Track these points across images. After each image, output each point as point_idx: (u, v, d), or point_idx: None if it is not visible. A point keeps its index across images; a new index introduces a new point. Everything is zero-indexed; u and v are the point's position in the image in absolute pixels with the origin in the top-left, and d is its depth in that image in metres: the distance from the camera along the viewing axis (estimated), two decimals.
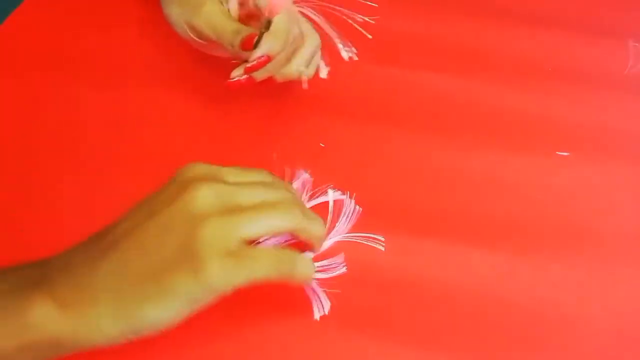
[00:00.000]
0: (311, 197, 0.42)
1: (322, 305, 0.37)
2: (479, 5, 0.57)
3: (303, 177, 0.42)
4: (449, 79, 0.51)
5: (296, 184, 0.42)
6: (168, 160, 0.45)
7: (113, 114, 0.47)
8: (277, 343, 0.37)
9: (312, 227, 0.35)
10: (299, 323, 0.38)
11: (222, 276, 0.30)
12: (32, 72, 0.49)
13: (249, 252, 0.31)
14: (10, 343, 0.28)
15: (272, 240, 0.37)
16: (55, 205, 0.42)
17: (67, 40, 0.51)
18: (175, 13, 0.43)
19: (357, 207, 0.42)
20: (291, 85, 0.47)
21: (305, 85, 0.45)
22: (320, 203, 0.42)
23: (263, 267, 0.32)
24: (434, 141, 0.47)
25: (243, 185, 0.34)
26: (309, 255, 0.38)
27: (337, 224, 0.41)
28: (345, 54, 0.50)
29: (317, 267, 0.37)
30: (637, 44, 0.55)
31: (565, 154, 0.47)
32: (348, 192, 0.42)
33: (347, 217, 0.41)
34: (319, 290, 0.37)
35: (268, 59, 0.40)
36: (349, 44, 0.50)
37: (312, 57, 0.45)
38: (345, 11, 0.50)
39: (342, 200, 0.42)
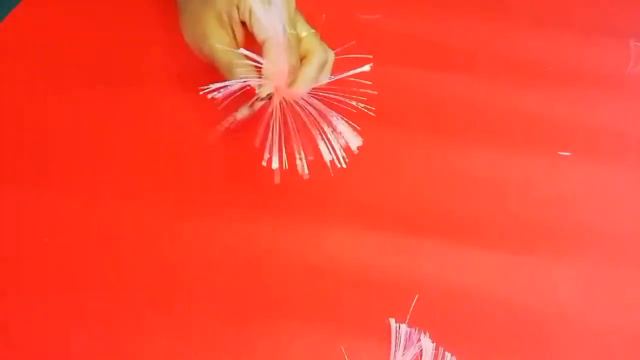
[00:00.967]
0: None
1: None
2: (480, 6, 0.57)
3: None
4: (450, 79, 0.51)
5: None
6: (168, 160, 0.45)
7: (113, 114, 0.47)
8: (276, 343, 0.37)
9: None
10: (299, 323, 0.38)
11: None
12: (32, 72, 0.49)
13: None
14: None
15: None
16: (55, 205, 0.42)
17: (66, 40, 0.51)
18: (187, 35, 0.44)
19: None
20: None
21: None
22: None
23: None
24: (434, 141, 0.47)
25: None
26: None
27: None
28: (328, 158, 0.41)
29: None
30: (638, 44, 0.55)
31: (566, 153, 0.47)
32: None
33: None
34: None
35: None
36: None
37: (318, 74, 0.42)
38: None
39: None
